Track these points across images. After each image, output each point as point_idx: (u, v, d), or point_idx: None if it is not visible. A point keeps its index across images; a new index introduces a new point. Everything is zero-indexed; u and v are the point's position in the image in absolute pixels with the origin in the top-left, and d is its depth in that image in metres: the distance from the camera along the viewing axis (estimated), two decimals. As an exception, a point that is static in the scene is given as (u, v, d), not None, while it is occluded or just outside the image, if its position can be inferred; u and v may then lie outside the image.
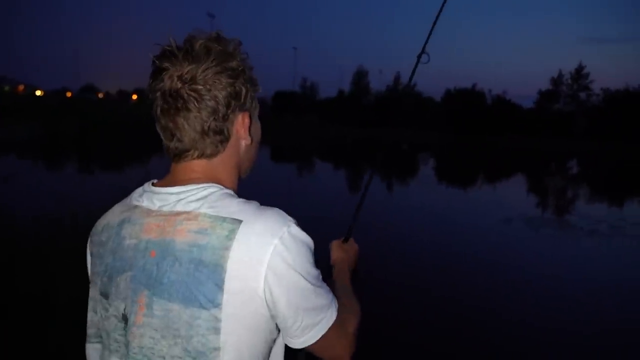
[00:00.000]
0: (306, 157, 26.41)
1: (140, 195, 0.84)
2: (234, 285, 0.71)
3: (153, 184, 0.85)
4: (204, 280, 0.71)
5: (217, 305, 0.71)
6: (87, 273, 0.88)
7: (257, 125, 0.90)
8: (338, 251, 1.16)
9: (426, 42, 1.46)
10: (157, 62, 0.79)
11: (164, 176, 0.86)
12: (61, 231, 3.10)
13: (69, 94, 50.16)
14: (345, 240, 1.21)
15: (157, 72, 0.79)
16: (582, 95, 61.97)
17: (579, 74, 61.54)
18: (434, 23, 1.48)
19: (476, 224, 9.70)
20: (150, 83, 0.80)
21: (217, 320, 0.71)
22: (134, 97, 59.14)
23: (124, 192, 0.90)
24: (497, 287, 5.87)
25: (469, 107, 59.87)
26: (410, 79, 1.51)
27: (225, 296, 0.71)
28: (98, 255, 0.83)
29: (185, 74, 0.77)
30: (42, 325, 2.84)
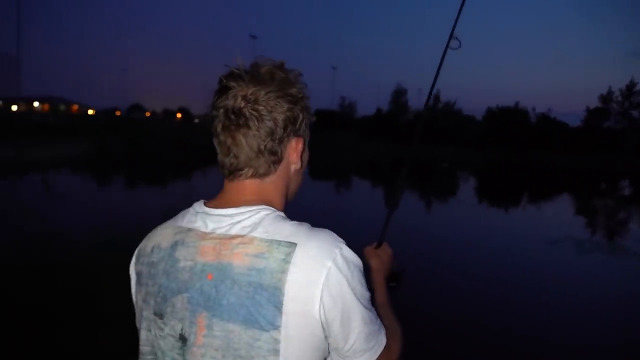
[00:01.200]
0: (344, 174, 26.41)
1: (193, 216, 0.85)
2: (292, 308, 0.73)
3: (205, 204, 0.87)
4: (264, 302, 0.73)
5: (277, 327, 0.73)
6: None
7: (307, 152, 0.94)
8: (373, 259, 1.16)
9: (454, 26, 1.38)
10: (224, 80, 0.84)
11: (214, 195, 0.88)
12: (111, 246, 3.23)
13: (118, 113, 52.61)
14: (378, 246, 1.21)
15: (223, 90, 0.83)
16: (635, 113, 59.10)
17: (630, 90, 58.78)
18: (462, 4, 1.40)
19: (520, 245, 9.36)
20: (215, 100, 0.85)
21: (277, 342, 0.73)
22: (179, 115, 61.34)
23: (170, 207, 0.93)
24: (544, 312, 5.62)
25: (512, 125, 58.29)
26: (439, 66, 1.40)
27: (284, 318, 0.73)
28: (149, 276, 0.85)
29: (250, 94, 0.81)
30: (95, 336, 2.95)
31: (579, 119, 62.26)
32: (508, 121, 58.90)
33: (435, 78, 1.42)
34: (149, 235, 0.91)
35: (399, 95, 69.26)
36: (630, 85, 58.67)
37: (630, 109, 59.00)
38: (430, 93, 1.42)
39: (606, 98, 60.28)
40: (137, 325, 0.90)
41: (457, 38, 1.37)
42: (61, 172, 16.44)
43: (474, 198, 19.42)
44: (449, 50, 1.39)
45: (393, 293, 1.16)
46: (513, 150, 51.93)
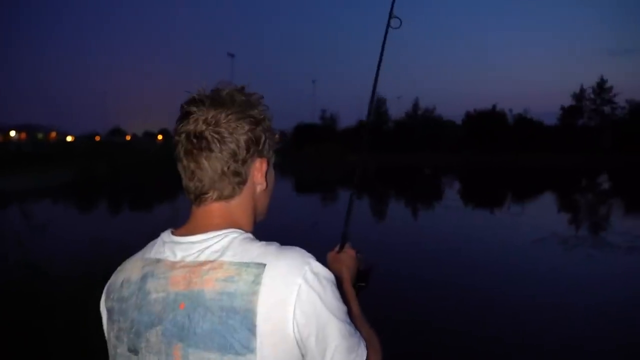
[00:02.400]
0: (328, 186, 26.45)
1: (161, 247, 0.85)
2: (266, 329, 0.73)
3: (173, 233, 0.87)
4: (237, 326, 0.73)
5: (252, 350, 0.73)
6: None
7: (272, 173, 0.94)
8: (335, 265, 1.14)
9: (393, 3, 1.38)
10: (185, 106, 0.85)
11: (185, 222, 0.88)
12: (95, 275, 3.18)
13: (97, 138, 52.01)
14: (341, 249, 1.19)
15: (184, 116, 0.84)
16: (607, 109, 60.77)
17: (602, 87, 60.55)
18: None
19: (506, 245, 9.47)
20: (177, 126, 0.85)
21: None
22: (160, 137, 60.90)
23: (155, 231, 0.91)
24: (533, 309, 5.67)
25: (491, 128, 59.33)
26: (383, 47, 1.38)
27: (258, 340, 0.72)
28: (120, 312, 0.84)
29: (211, 117, 0.82)
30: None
31: (554, 117, 63.69)
32: (487, 124, 59.95)
33: (380, 58, 1.39)
34: (118, 269, 0.90)
35: (379, 104, 69.96)
36: (601, 83, 60.47)
37: (602, 105, 60.67)
38: (376, 78, 1.37)
39: (579, 96, 61.93)
40: None
41: (397, 17, 1.37)
42: (42, 201, 16.13)
43: (458, 202, 19.61)
44: (390, 30, 1.38)
45: (364, 293, 1.14)
46: (494, 152, 52.80)
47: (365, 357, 0.81)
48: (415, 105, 68.66)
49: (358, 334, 0.81)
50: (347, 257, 1.17)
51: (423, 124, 64.24)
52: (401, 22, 1.36)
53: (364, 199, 21.82)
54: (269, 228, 1.11)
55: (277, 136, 0.92)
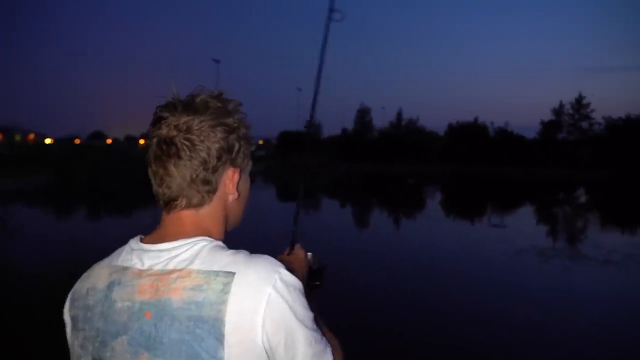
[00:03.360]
0: (312, 194, 26.44)
1: (129, 254, 0.84)
2: (234, 338, 0.72)
3: (142, 240, 0.85)
4: (205, 336, 0.72)
5: (220, 359, 0.72)
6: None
7: (246, 182, 0.93)
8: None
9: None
10: (158, 111, 0.84)
11: (154, 229, 0.87)
12: (71, 281, 3.12)
13: (77, 141, 51.08)
14: (291, 250, 1.18)
15: (157, 121, 0.83)
16: (584, 124, 62.37)
17: (580, 103, 62.12)
18: None
19: (487, 256, 9.59)
20: (149, 130, 0.85)
21: None
22: (141, 141, 60.16)
23: (134, 236, 0.90)
24: (509, 319, 5.74)
25: (473, 140, 60.30)
26: (324, 41, 1.37)
27: (226, 349, 0.72)
28: (85, 320, 0.82)
29: (182, 123, 0.81)
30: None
31: (534, 131, 65.07)
32: (469, 136, 60.91)
33: (322, 51, 1.38)
34: (83, 276, 0.88)
35: (364, 114, 70.50)
36: (579, 99, 62.05)
37: (580, 120, 62.24)
38: (319, 74, 1.36)
39: (558, 111, 63.44)
40: None
41: (338, 10, 1.37)
42: (18, 204, 15.75)
43: (440, 212, 19.80)
44: (332, 24, 1.37)
45: (317, 292, 1.13)
46: (475, 164, 53.60)
47: None
48: (399, 116, 69.41)
49: (324, 340, 0.82)
50: (297, 258, 1.16)
51: (407, 134, 64.92)
52: (343, 16, 1.35)
53: (347, 207, 21.89)
54: (249, 236, 1.11)
55: (252, 145, 0.90)
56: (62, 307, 0.89)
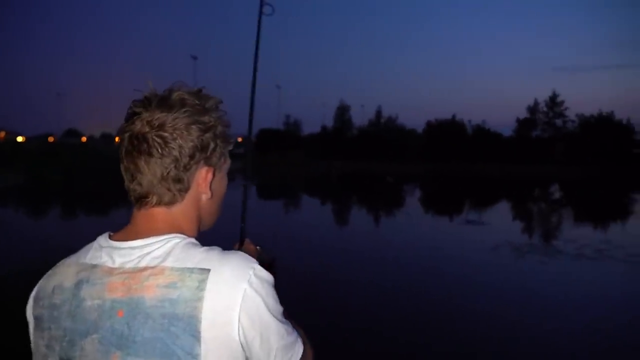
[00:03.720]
0: (291, 192, 26.42)
1: (97, 251, 0.82)
2: (210, 334, 0.72)
3: (111, 237, 0.83)
4: (180, 333, 0.72)
5: (196, 356, 0.72)
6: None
7: (222, 181, 0.92)
8: None
9: None
10: (132, 106, 0.82)
11: (124, 226, 0.85)
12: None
13: (51, 139, 49.84)
14: (241, 244, 1.18)
15: (130, 116, 0.82)
16: (558, 122, 64.00)
17: (554, 101, 63.72)
18: None
19: (463, 253, 9.74)
20: (122, 125, 0.83)
21: None
22: (117, 139, 58.90)
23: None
24: (487, 316, 5.85)
25: (450, 137, 61.19)
26: (258, 34, 1.39)
27: (203, 346, 0.72)
28: (51, 319, 0.80)
29: (155, 120, 0.79)
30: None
31: (510, 129, 66.42)
32: (447, 134, 61.79)
33: (257, 46, 1.40)
34: (48, 274, 0.85)
35: (343, 111, 70.74)
36: (553, 97, 63.64)
37: (555, 118, 63.84)
38: (254, 68, 1.39)
39: (533, 109, 64.94)
40: None
41: (269, 4, 1.39)
42: (-12, 204, 15.29)
43: (418, 209, 20.03)
44: (264, 17, 1.40)
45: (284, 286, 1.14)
46: (453, 161, 54.44)
47: (301, 353, 0.82)
48: (378, 114, 69.92)
49: (295, 332, 0.83)
50: (247, 252, 1.17)
51: (386, 132, 65.42)
52: (273, 10, 1.38)
53: (327, 205, 21.96)
54: (225, 235, 1.10)
55: (230, 143, 0.89)
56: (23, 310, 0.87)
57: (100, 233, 0.87)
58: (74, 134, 65.67)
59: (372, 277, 7.55)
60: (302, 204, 22.16)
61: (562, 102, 63.43)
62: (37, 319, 0.83)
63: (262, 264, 1.15)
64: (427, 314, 5.92)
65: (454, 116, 66.03)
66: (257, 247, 1.20)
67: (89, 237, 0.88)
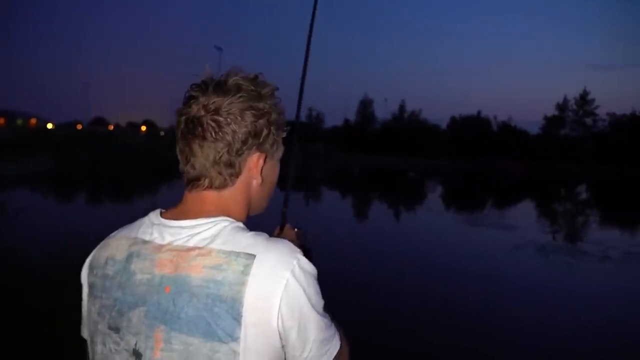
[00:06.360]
0: (313, 186, 26.48)
1: (149, 228, 0.85)
2: (251, 319, 0.73)
3: (162, 214, 0.86)
4: (222, 315, 0.74)
5: (236, 339, 0.73)
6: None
7: (274, 168, 0.93)
8: None
9: None
10: (190, 90, 0.84)
11: (175, 205, 0.87)
12: (71, 265, 3.12)
13: (79, 127, 51.13)
14: (281, 230, 1.18)
15: (187, 99, 0.84)
16: (588, 120, 62.16)
17: (584, 99, 61.90)
18: None
19: (486, 251, 9.60)
20: (179, 108, 0.85)
21: (236, 353, 0.73)
22: (143, 128, 60.12)
23: (133, 221, 0.90)
24: (509, 316, 5.75)
25: (475, 134, 60.18)
26: (311, 25, 1.38)
27: (243, 330, 0.73)
28: (103, 289, 0.84)
29: (211, 104, 0.81)
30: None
31: (537, 127, 64.90)
32: (471, 130, 60.80)
33: (310, 30, 1.36)
34: (102, 244, 0.89)
35: (366, 105, 70.36)
36: (584, 95, 61.80)
37: (584, 117, 62.03)
38: (307, 52, 1.36)
39: (562, 107, 63.24)
40: (86, 336, 0.89)
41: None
42: (19, 189, 15.78)
43: (440, 206, 19.81)
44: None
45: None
46: (477, 158, 53.58)
47: (338, 348, 0.83)
48: (402, 108, 69.25)
49: (333, 326, 0.83)
50: (288, 236, 1.15)
51: (409, 127, 64.80)
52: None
53: (347, 199, 21.91)
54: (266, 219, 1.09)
55: (284, 131, 0.90)
56: (58, 291, 0.89)
57: (121, 218, 0.88)
58: (101, 122, 67.16)
59: (393, 274, 7.51)
60: (322, 197, 22.18)
61: (593, 100, 61.61)
62: (90, 286, 0.87)
63: (303, 247, 1.16)
64: (448, 311, 5.85)
65: (479, 112, 64.95)
66: (297, 229, 1.20)
67: (111, 222, 0.88)
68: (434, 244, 10.27)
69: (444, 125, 67.34)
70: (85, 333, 0.90)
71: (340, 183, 29.78)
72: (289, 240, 1.12)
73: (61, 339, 2.68)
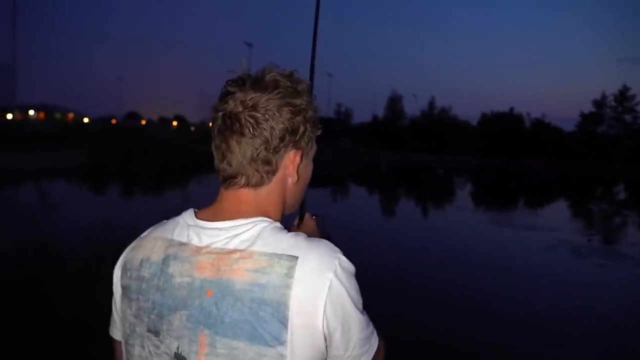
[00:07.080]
0: (340, 182, 26.43)
1: (184, 229, 0.83)
2: (297, 322, 0.73)
3: (197, 215, 0.84)
4: (268, 318, 0.73)
5: (283, 342, 0.73)
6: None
7: (308, 167, 0.91)
8: None
9: None
10: (226, 85, 0.83)
11: (209, 203, 0.86)
12: (104, 258, 3.21)
13: (114, 121, 52.67)
14: (300, 220, 1.12)
15: (224, 95, 0.83)
16: (628, 117, 59.66)
17: (624, 95, 59.42)
18: None
19: (518, 251, 9.37)
20: (216, 104, 0.84)
21: (283, 356, 0.73)
22: (175, 123, 61.37)
23: (166, 216, 0.89)
24: (542, 317, 5.60)
25: (507, 130, 58.69)
26: (315, 21, 1.27)
27: (289, 333, 0.73)
28: (139, 291, 0.83)
29: (249, 100, 0.80)
30: (87, 351, 2.91)
31: (572, 124, 62.78)
32: (503, 126, 59.31)
33: (315, 30, 1.25)
34: (134, 245, 0.88)
35: (395, 101, 69.65)
36: (623, 90, 59.33)
37: (624, 113, 59.54)
38: (312, 53, 1.24)
39: (600, 103, 60.86)
40: (119, 337, 0.89)
41: None
42: (56, 181, 16.38)
43: (469, 203, 19.45)
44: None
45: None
46: (509, 155, 52.26)
47: (377, 345, 0.83)
48: (431, 104, 68.26)
49: (372, 324, 0.83)
50: (308, 228, 1.12)
51: (438, 123, 63.80)
52: None
53: (374, 195, 21.78)
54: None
55: (319, 129, 0.88)
56: (95, 278, 0.89)
57: (150, 212, 0.87)
58: (135, 116, 68.91)
59: (421, 270, 7.43)
60: (350, 193, 22.12)
61: (634, 96, 59.03)
62: (124, 288, 0.86)
63: (324, 233, 1.14)
64: (477, 309, 5.75)
65: (511, 109, 63.32)
66: (315, 216, 1.17)
67: (141, 216, 0.87)
68: (463, 241, 10.08)
69: (474, 122, 65.99)
70: (117, 334, 0.90)
71: (367, 179, 29.63)
72: (310, 229, 1.11)
73: (93, 325, 2.76)
